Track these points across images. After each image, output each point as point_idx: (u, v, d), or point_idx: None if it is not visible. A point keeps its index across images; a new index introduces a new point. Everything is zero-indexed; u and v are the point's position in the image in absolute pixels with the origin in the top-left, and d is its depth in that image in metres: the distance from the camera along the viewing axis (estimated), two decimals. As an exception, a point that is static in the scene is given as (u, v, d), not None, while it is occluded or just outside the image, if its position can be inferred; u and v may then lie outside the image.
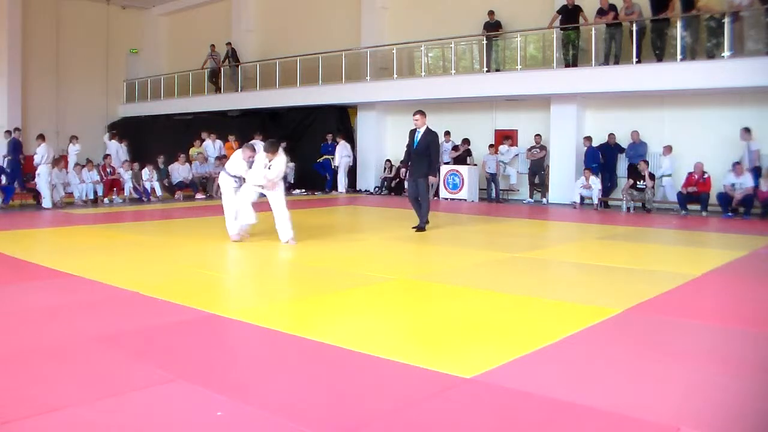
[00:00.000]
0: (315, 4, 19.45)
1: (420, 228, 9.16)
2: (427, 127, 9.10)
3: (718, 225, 10.52)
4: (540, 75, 13.81)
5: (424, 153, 9.04)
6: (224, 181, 8.36)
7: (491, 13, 14.85)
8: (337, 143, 16.86)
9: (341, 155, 16.87)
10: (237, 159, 8.23)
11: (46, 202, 12.68)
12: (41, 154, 12.75)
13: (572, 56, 13.44)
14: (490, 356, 3.67)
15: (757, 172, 11.49)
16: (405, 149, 9.53)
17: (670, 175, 12.64)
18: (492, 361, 3.57)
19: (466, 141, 15.34)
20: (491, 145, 15.01)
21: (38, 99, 20.33)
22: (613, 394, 3.18)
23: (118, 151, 16.61)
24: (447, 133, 15.53)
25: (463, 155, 15.19)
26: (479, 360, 3.61)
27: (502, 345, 3.95)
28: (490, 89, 14.46)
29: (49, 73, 20.82)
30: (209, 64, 20.58)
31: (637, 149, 12.95)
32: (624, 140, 13.30)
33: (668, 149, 12.60)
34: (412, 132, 9.18)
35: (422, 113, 9.11)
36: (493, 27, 14.86)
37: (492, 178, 14.83)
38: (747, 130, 11.75)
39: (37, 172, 12.83)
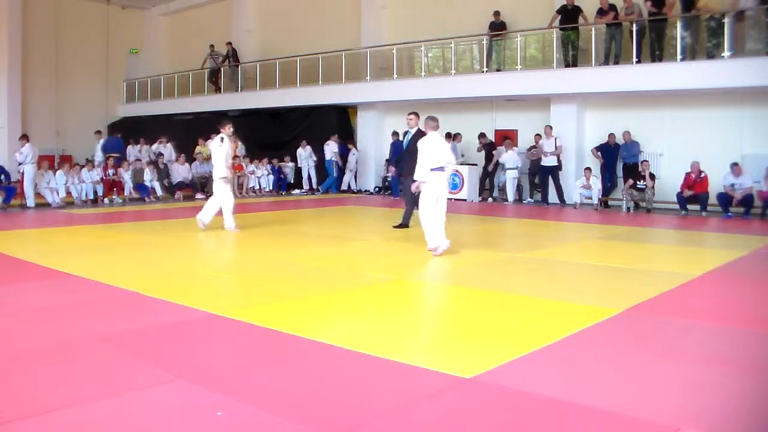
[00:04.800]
0: (315, 4, 19.45)
1: (401, 225, 9.46)
2: (418, 129, 9.03)
3: (718, 225, 10.51)
4: (540, 75, 13.81)
5: (414, 154, 9.04)
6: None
7: (497, 13, 14.83)
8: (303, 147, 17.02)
9: (303, 157, 17.01)
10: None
11: (30, 202, 12.70)
12: (26, 154, 12.77)
13: (572, 56, 13.44)
14: (490, 356, 3.67)
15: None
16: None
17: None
18: (492, 361, 3.57)
19: (482, 135, 15.06)
20: (531, 147, 14.39)
21: (38, 99, 20.34)
22: (613, 394, 3.18)
23: (171, 153, 16.76)
24: (448, 135, 15.46)
25: (487, 150, 14.90)
26: (479, 360, 3.61)
27: (502, 345, 3.95)
28: (490, 89, 14.46)
29: (49, 73, 20.82)
30: (209, 64, 20.57)
31: (630, 149, 12.97)
32: (624, 140, 13.31)
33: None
34: (405, 133, 9.48)
35: (415, 114, 9.29)
36: (498, 27, 14.84)
37: (542, 173, 14.03)
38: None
39: (19, 169, 12.83)
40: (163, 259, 7.06)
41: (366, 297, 5.29)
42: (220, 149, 9.06)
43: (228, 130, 9.12)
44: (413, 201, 9.30)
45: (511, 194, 14.38)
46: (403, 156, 9.48)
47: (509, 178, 14.36)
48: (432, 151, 7.09)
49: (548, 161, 13.76)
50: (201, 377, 3.34)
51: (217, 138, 9.16)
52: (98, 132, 17.50)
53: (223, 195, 9.07)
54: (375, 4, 17.55)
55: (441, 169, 7.15)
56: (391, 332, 4.29)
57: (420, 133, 9.14)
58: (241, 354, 3.82)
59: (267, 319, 4.44)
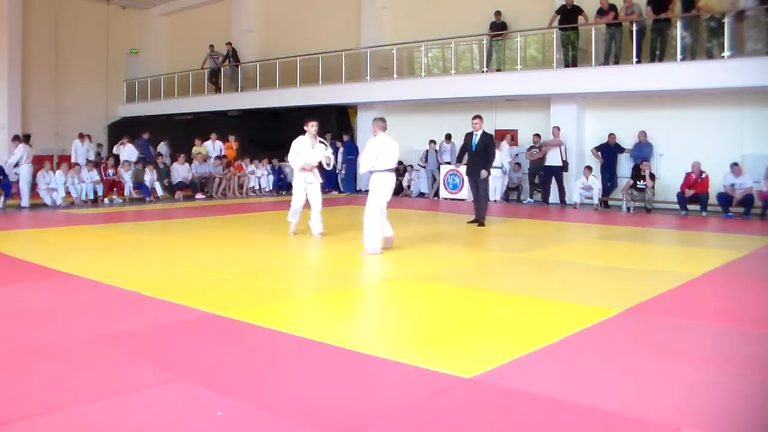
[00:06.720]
0: (315, 4, 19.45)
1: (479, 223, 9.97)
2: (484, 131, 9.93)
3: (718, 225, 10.51)
4: (540, 75, 13.81)
5: (482, 154, 9.85)
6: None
7: (498, 13, 14.84)
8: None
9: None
10: None
11: (24, 201, 12.69)
12: (20, 155, 12.76)
13: (572, 56, 13.44)
14: (490, 356, 3.67)
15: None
16: (459, 149, 10.58)
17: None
18: (492, 361, 3.57)
19: (448, 136, 15.23)
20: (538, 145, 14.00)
21: (38, 99, 20.31)
22: (613, 394, 3.18)
23: (131, 154, 16.55)
24: (448, 137, 15.48)
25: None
26: (479, 360, 3.61)
27: (502, 345, 3.95)
28: (490, 89, 14.45)
29: (49, 73, 20.80)
30: (209, 64, 20.58)
31: (643, 149, 12.93)
32: (624, 140, 13.30)
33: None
34: (469, 134, 10.01)
35: (480, 117, 9.97)
36: (498, 27, 14.84)
37: (546, 173, 13.96)
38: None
39: (15, 171, 12.82)
40: (163, 259, 7.05)
41: (366, 296, 5.29)
42: (294, 146, 8.93)
43: (312, 128, 8.86)
44: (486, 197, 10.22)
45: (492, 194, 14.20)
46: (471, 157, 10.03)
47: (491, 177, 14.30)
48: (384, 152, 7.33)
49: (553, 161, 13.70)
50: (201, 377, 3.34)
51: (307, 137, 8.89)
52: (81, 135, 16.86)
53: (294, 192, 9.08)
54: (375, 4, 17.55)
55: (391, 170, 7.50)
56: (391, 332, 4.29)
57: (486, 135, 9.95)
58: (240, 354, 3.82)
59: (267, 319, 4.44)
